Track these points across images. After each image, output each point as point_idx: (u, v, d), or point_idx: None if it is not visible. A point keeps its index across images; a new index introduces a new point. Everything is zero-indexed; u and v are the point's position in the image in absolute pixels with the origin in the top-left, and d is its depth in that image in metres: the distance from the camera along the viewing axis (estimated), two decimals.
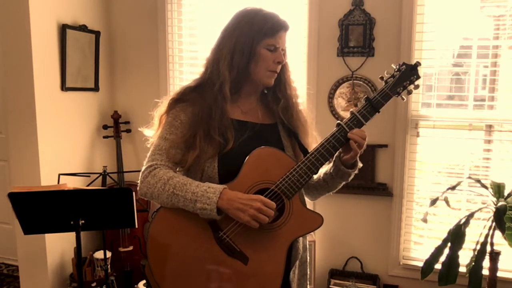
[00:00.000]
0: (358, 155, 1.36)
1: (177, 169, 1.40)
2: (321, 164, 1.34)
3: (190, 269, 1.32)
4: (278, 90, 1.47)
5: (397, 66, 1.41)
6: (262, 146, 1.35)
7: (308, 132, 1.50)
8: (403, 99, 1.42)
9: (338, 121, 1.37)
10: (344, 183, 1.46)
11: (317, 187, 1.50)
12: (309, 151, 1.38)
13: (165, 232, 1.34)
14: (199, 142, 1.34)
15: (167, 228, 1.34)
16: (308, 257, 1.54)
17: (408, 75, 1.39)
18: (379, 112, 1.37)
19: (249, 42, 1.35)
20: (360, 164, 1.43)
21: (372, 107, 1.35)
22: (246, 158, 1.33)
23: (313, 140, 1.49)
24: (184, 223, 1.32)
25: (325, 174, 1.47)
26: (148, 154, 1.39)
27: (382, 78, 1.41)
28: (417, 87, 1.42)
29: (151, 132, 1.46)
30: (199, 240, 1.31)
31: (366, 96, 1.38)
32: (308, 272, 1.54)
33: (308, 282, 1.53)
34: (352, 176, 1.44)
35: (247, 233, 1.29)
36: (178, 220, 1.32)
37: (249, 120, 1.44)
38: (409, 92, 1.41)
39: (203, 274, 1.32)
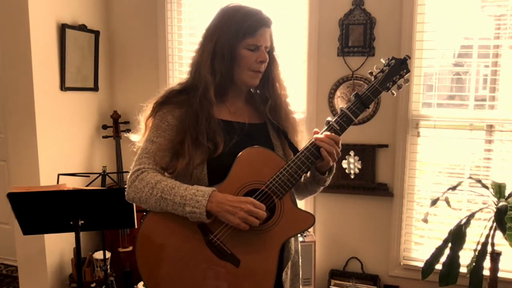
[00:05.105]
0: (331, 163, 1.33)
1: (165, 175, 1.36)
2: (312, 163, 1.31)
3: (180, 273, 1.29)
4: (266, 89, 1.43)
5: (387, 61, 1.38)
6: (252, 146, 1.32)
7: (297, 130, 1.47)
8: (393, 94, 1.39)
9: (328, 118, 1.34)
10: (322, 188, 1.44)
11: (298, 189, 1.48)
12: (299, 149, 1.35)
13: (154, 235, 1.30)
14: (187, 149, 1.30)
15: (156, 231, 1.31)
16: (300, 258, 1.52)
17: (397, 69, 1.36)
18: (368, 108, 1.35)
19: (229, 44, 1.30)
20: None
21: (362, 103, 1.33)
22: (236, 159, 1.30)
23: (302, 137, 1.47)
24: (174, 226, 1.29)
25: (305, 177, 1.44)
26: (135, 158, 1.34)
27: (371, 73, 1.38)
28: (407, 81, 1.38)
29: (138, 137, 1.42)
30: (189, 243, 1.28)
31: (355, 92, 1.35)
32: (300, 273, 1.51)
33: (300, 283, 1.51)
34: (328, 182, 1.41)
35: (238, 235, 1.26)
36: (168, 223, 1.29)
37: (237, 120, 1.41)
38: (399, 87, 1.37)
39: (193, 278, 1.29)
